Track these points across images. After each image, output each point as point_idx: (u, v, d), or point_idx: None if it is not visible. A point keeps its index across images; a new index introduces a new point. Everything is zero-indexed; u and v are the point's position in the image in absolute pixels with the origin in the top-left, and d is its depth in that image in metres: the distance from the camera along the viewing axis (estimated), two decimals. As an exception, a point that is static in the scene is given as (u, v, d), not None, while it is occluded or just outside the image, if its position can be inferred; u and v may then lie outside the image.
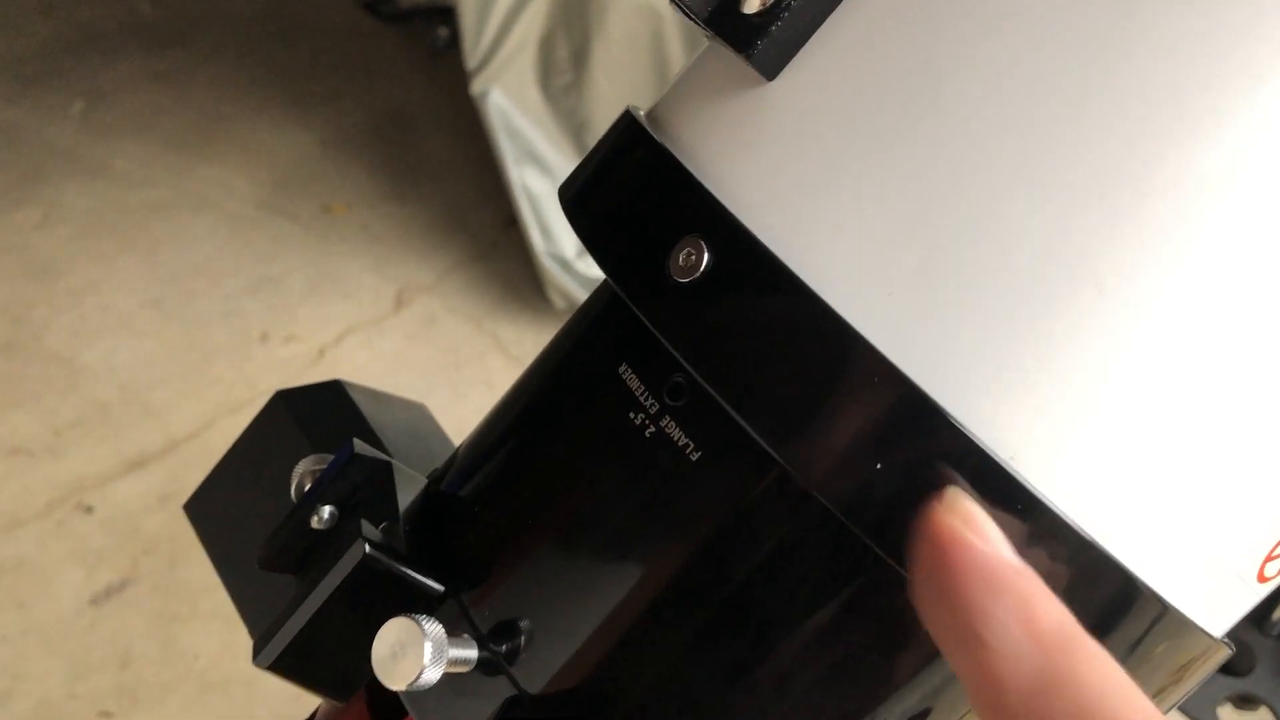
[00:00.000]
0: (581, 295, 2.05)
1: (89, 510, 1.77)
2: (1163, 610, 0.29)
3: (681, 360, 0.29)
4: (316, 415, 0.45)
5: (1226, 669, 1.06)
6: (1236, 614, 0.31)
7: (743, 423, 0.28)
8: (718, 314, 0.28)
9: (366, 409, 0.46)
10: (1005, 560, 0.26)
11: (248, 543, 0.44)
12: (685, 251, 0.29)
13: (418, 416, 0.50)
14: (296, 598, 0.33)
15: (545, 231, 2.08)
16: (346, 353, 2.07)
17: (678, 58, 2.00)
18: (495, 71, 2.09)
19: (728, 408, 0.28)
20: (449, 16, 2.72)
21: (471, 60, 2.09)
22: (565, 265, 2.07)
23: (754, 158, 0.30)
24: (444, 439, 0.50)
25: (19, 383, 1.93)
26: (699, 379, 0.29)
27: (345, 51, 2.91)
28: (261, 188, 2.40)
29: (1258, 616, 1.09)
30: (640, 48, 2.02)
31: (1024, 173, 0.26)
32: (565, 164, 2.12)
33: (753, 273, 0.28)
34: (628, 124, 0.34)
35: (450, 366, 2.06)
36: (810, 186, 0.28)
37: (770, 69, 0.29)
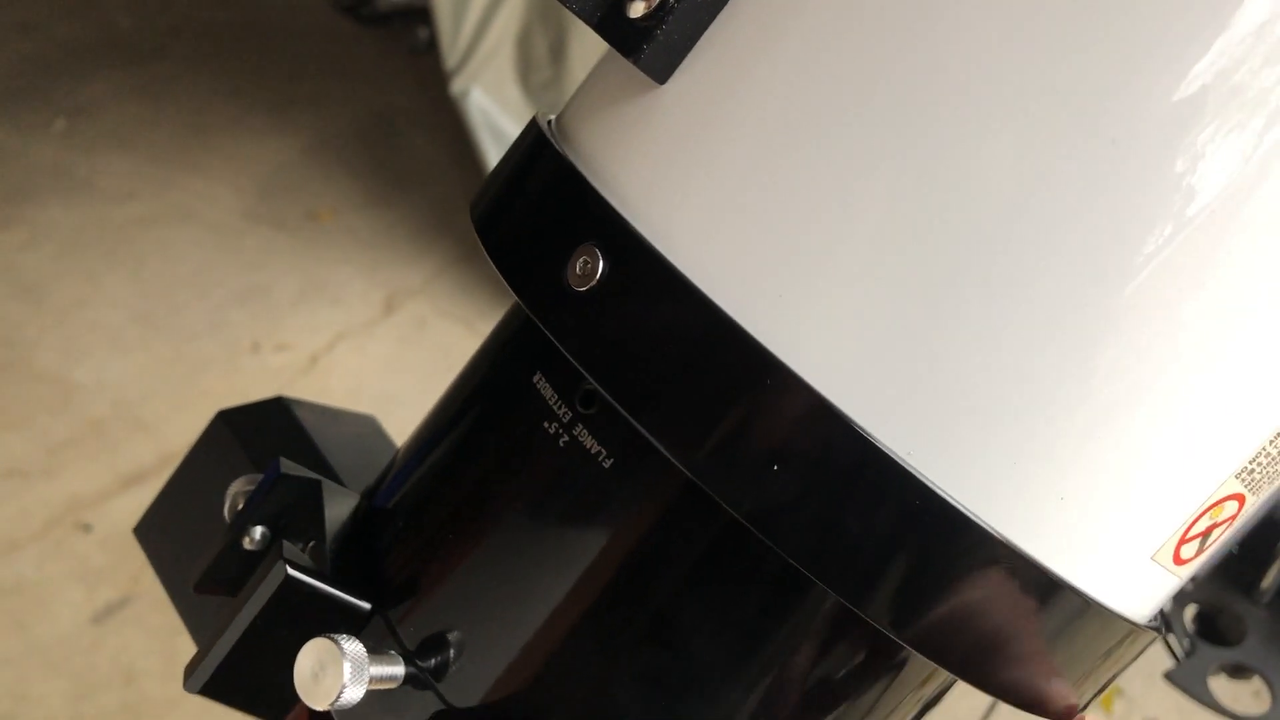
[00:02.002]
0: (569, 291, 2.04)
1: (87, 528, 1.77)
2: (1084, 604, 0.29)
3: (581, 368, 0.29)
4: (259, 434, 0.45)
5: (1217, 639, 1.06)
6: (1159, 597, 0.31)
7: (642, 430, 0.28)
8: (614, 322, 0.28)
9: (310, 425, 0.46)
10: None
11: (193, 564, 0.44)
12: (582, 260, 0.29)
13: (365, 429, 0.50)
14: (224, 621, 0.33)
15: (530, 229, 2.07)
16: (338, 360, 2.06)
17: (654, 48, 1.99)
18: (474, 71, 2.08)
19: (626, 414, 0.28)
20: (428, 17, 2.71)
21: (450, 60, 2.09)
22: (552, 261, 2.06)
23: (646, 162, 0.29)
24: (392, 450, 0.50)
25: (11, 404, 1.93)
26: (597, 385, 0.29)
27: (325, 56, 2.90)
28: (246, 197, 2.40)
29: (1247, 585, 1.09)
30: (616, 40, 2.01)
31: (915, 171, 0.26)
32: (547, 160, 2.11)
33: (647, 279, 0.28)
34: (534, 134, 0.34)
35: (443, 370, 2.06)
36: (701, 189, 0.28)
37: (660, 72, 0.29)
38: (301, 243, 2.30)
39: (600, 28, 0.30)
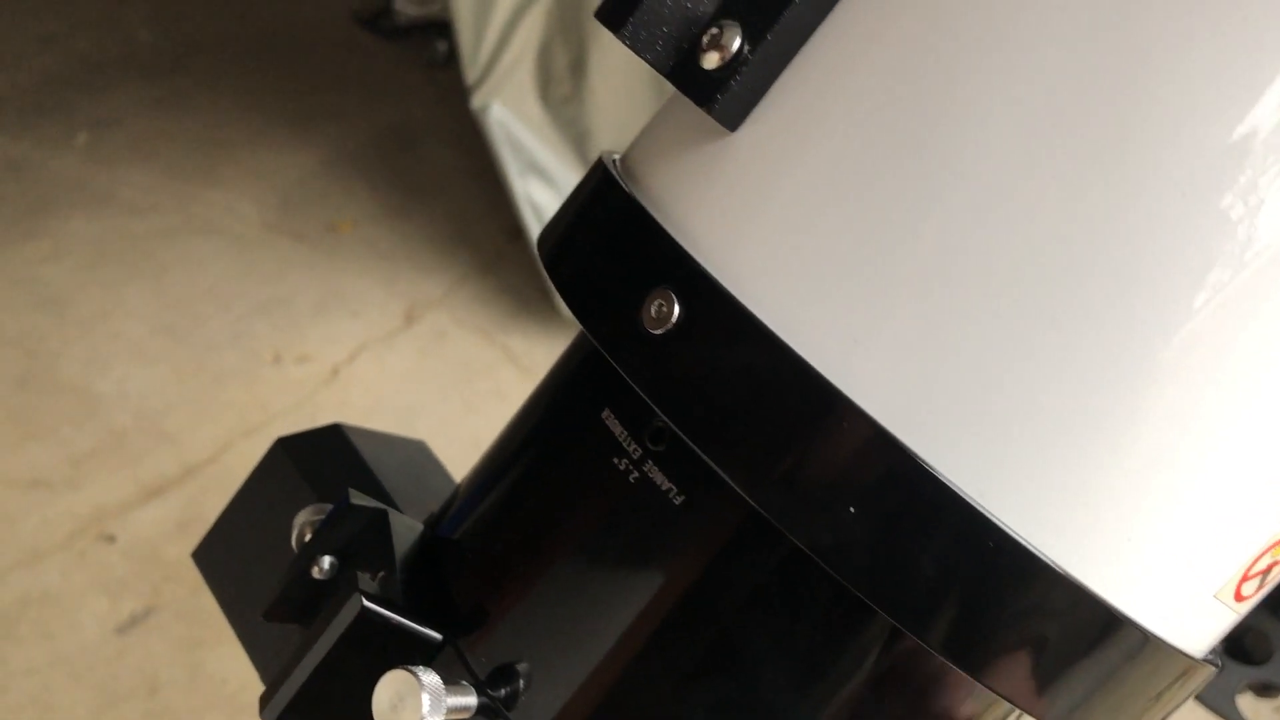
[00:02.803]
0: (589, 304, 2.05)
1: (110, 539, 1.78)
2: (1144, 639, 0.29)
3: (657, 409, 0.30)
4: (317, 461, 0.46)
5: (1244, 657, 1.06)
6: (1219, 633, 0.32)
7: (718, 469, 0.29)
8: (690, 364, 0.29)
9: (366, 452, 0.47)
10: None
11: (255, 590, 0.45)
12: (657, 303, 0.30)
13: (417, 454, 0.51)
14: (299, 651, 0.34)
15: (550, 241, 2.08)
16: (359, 371, 2.08)
17: (674, 63, 2.00)
18: (495, 85, 2.10)
19: (702, 454, 0.29)
20: (447, 31, 2.73)
21: (470, 75, 2.10)
22: (572, 274, 2.07)
23: (720, 209, 0.30)
24: (444, 475, 0.51)
25: (35, 415, 1.94)
26: (674, 427, 0.29)
27: (344, 69, 2.92)
28: (266, 209, 2.42)
29: (1273, 603, 1.09)
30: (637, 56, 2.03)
31: (981, 218, 0.27)
32: (568, 174, 2.13)
33: (723, 324, 0.29)
34: (601, 174, 0.34)
35: (462, 380, 2.07)
36: (774, 237, 0.29)
37: (731, 121, 0.30)
38: (322, 255, 2.32)
39: (673, 76, 0.31)
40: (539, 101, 2.14)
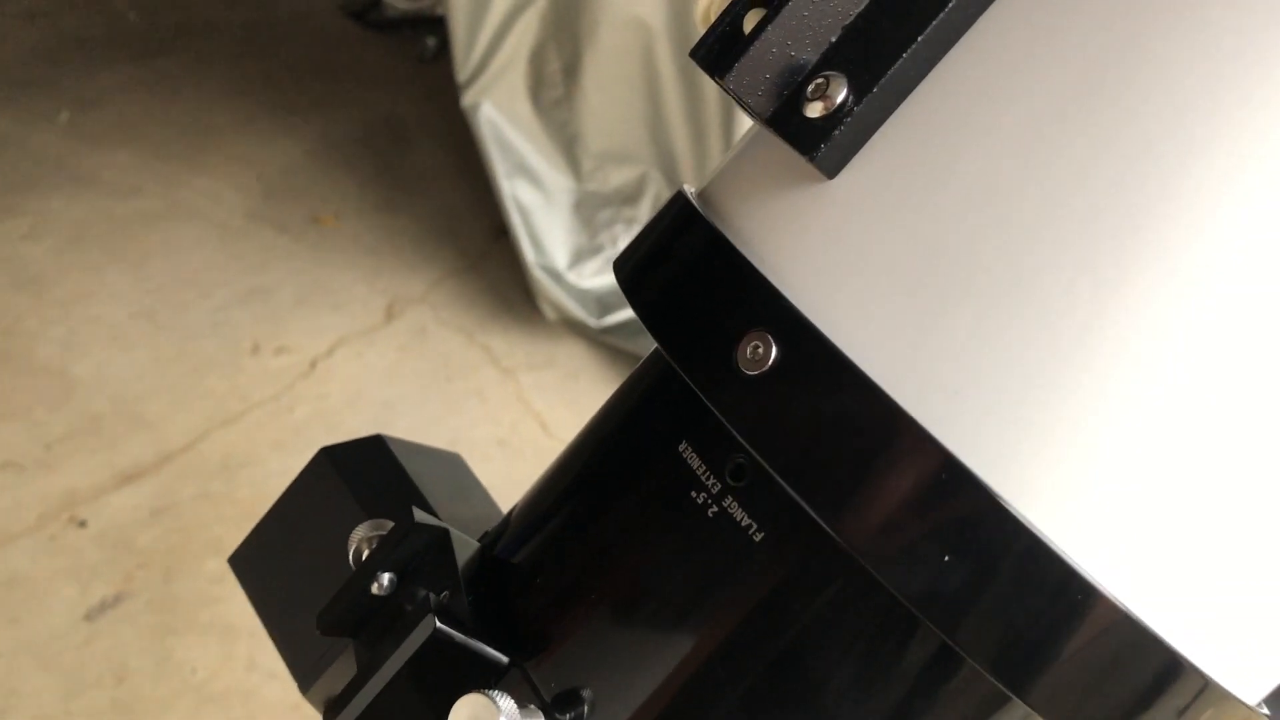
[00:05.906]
0: (572, 307, 2.06)
1: (82, 524, 1.77)
2: (1204, 685, 0.30)
3: (752, 450, 0.30)
4: (361, 471, 0.46)
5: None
6: (1271, 684, 0.33)
7: (812, 512, 0.29)
8: (786, 407, 0.30)
9: (408, 464, 0.47)
10: None
11: (295, 596, 0.45)
12: (753, 345, 0.30)
13: (455, 468, 0.51)
14: (366, 669, 0.35)
15: (536, 243, 2.09)
16: (338, 365, 2.07)
17: (668, 73, 2.01)
18: (486, 85, 2.10)
19: (799, 499, 0.29)
20: (436, 26, 2.73)
21: (462, 73, 2.10)
22: (556, 277, 2.08)
23: (817, 255, 0.31)
24: (480, 489, 0.52)
25: (9, 395, 1.92)
26: (771, 470, 0.30)
27: (332, 61, 2.90)
28: (250, 198, 2.40)
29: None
30: (631, 62, 2.04)
31: (1082, 275, 0.28)
32: (556, 176, 2.14)
33: (821, 368, 0.29)
34: (683, 207, 0.35)
35: (442, 379, 2.07)
36: (873, 285, 0.30)
37: (831, 169, 0.31)
38: (305, 246, 2.31)
39: (772, 123, 0.31)
40: (530, 103, 2.14)
